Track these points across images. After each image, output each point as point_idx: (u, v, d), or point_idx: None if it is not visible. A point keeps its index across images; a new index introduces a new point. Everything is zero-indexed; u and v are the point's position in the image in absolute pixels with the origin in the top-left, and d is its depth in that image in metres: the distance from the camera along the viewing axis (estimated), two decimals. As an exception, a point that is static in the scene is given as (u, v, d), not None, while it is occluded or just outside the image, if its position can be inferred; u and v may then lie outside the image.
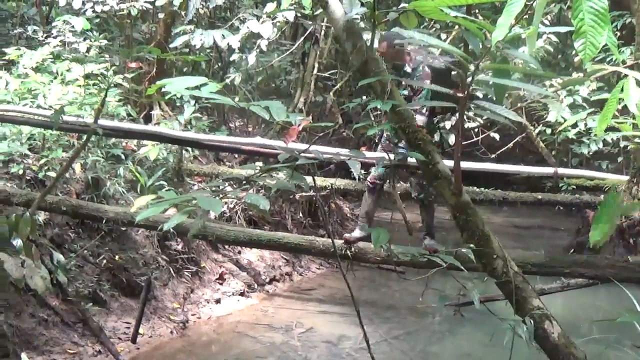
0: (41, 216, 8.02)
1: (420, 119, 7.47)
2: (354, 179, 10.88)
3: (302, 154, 3.76)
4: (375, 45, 5.34)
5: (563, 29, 4.11)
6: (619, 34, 12.94)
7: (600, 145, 12.09)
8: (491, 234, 4.41)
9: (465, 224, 4.37)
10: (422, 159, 4.29)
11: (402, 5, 4.46)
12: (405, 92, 7.69)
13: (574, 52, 14.09)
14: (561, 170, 8.21)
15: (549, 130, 12.71)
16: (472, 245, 4.37)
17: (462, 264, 4.53)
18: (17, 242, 4.91)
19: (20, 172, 8.43)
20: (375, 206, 7.98)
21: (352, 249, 7.54)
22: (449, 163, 4.68)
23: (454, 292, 5.42)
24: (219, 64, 14.18)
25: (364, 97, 6.97)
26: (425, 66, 7.65)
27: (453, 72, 8.14)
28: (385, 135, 8.01)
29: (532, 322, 4.19)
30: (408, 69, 7.71)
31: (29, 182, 8.54)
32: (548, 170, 8.67)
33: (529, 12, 3.38)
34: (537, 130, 13.09)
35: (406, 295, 10.00)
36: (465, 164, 7.15)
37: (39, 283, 5.67)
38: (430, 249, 7.51)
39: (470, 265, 4.64)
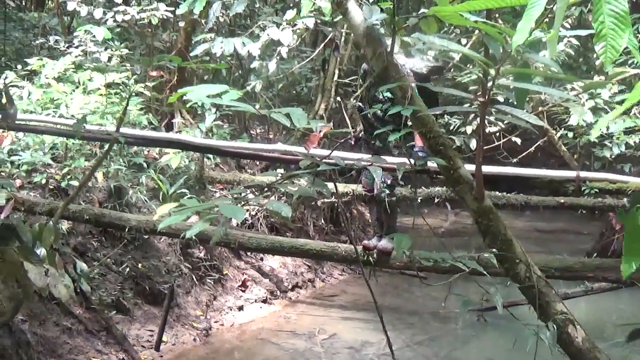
0: (64, 225, 8.06)
1: None
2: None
3: (324, 161, 3.77)
4: (396, 50, 5.34)
5: (584, 32, 4.09)
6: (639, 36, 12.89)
7: (623, 148, 12.02)
8: (513, 238, 4.40)
9: (487, 228, 4.35)
10: (444, 164, 4.28)
11: (422, 10, 4.44)
12: (389, 95, 7.75)
13: (595, 55, 14.06)
14: (583, 174, 8.15)
15: (570, 134, 12.65)
16: (494, 250, 4.36)
17: (484, 268, 4.52)
18: (41, 251, 4.93)
19: (43, 181, 8.48)
20: (381, 213, 7.98)
21: (374, 255, 7.53)
22: (470, 168, 4.67)
23: (477, 297, 5.41)
24: (240, 72, 14.21)
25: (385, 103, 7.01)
26: (406, 68, 7.71)
27: (433, 77, 8.25)
28: (361, 135, 8.05)
29: (555, 326, 4.17)
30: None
31: (52, 191, 8.58)
32: (570, 173, 8.63)
33: (549, 15, 3.37)
34: (558, 134, 13.05)
35: (429, 300, 9.98)
36: (486, 169, 7.14)
37: (62, 292, 5.69)
38: (384, 249, 7.55)
39: (493, 270, 4.64)
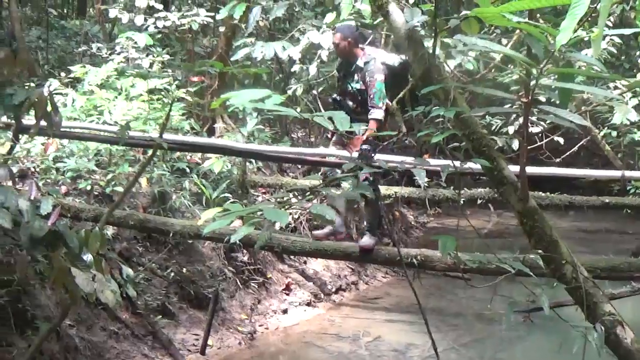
0: (109, 231, 8.12)
1: (379, 114, 7.70)
2: (418, 186, 10.86)
3: (367, 163, 3.77)
4: (437, 52, 5.33)
5: (627, 31, 4.06)
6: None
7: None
8: (559, 239, 4.37)
9: (532, 229, 4.32)
10: (487, 165, 4.26)
11: (463, 12, 4.43)
12: (358, 86, 7.81)
13: (638, 53, 13.93)
14: (628, 173, 8.08)
15: (614, 133, 12.54)
16: (540, 251, 4.33)
17: (530, 270, 4.49)
18: (88, 257, 4.96)
19: (88, 187, 8.55)
20: (377, 214, 8.12)
21: (418, 257, 7.51)
22: (514, 168, 4.65)
23: (522, 299, 5.39)
24: (280, 76, 14.24)
25: (427, 105, 6.98)
26: (377, 60, 7.79)
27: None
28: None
29: (603, 327, 4.13)
30: (360, 63, 7.86)
31: (97, 197, 8.66)
32: (615, 173, 8.57)
33: (592, 14, 3.34)
34: (602, 133, 12.93)
35: (473, 302, 9.93)
36: (530, 169, 7.10)
37: (109, 297, 5.74)
38: (366, 246, 7.57)
39: (539, 271, 4.60)
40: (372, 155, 7.38)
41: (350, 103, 7.90)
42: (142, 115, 9.71)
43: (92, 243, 5.00)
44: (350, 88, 7.94)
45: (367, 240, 7.79)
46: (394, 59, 7.99)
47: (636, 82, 11.39)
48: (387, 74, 7.80)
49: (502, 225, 13.58)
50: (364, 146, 7.44)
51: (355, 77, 7.91)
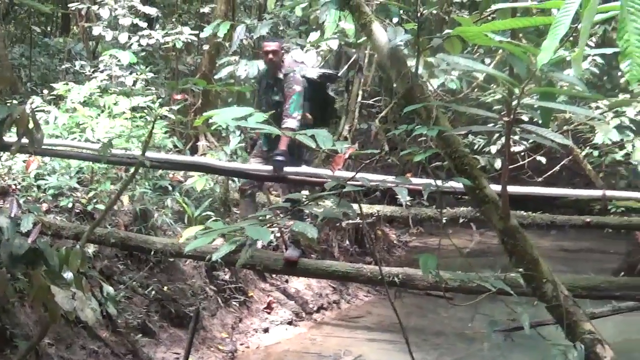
0: (90, 248, 8.09)
1: (292, 123, 7.75)
2: (401, 205, 10.86)
3: (349, 182, 3.77)
4: (420, 71, 5.33)
5: (609, 51, 4.09)
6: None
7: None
8: (540, 257, 4.38)
9: (513, 248, 4.34)
10: (469, 184, 4.28)
11: (446, 31, 4.46)
12: (277, 98, 7.85)
13: (619, 73, 14.01)
14: (609, 193, 8.10)
15: (596, 152, 12.58)
16: (521, 270, 4.34)
17: (511, 288, 4.50)
18: (68, 275, 4.95)
19: (70, 205, 8.52)
20: (250, 211, 8.12)
21: (399, 276, 7.51)
22: (496, 187, 4.66)
23: (504, 317, 5.38)
24: (264, 94, 14.25)
25: (409, 124, 6.98)
26: (297, 73, 7.90)
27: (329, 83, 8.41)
28: (258, 143, 8.14)
29: (582, 346, 4.14)
30: (280, 75, 7.95)
31: (78, 215, 8.63)
32: (596, 192, 8.58)
33: (574, 34, 3.36)
34: (583, 153, 12.98)
35: (455, 321, 9.93)
36: (512, 188, 7.11)
37: (89, 315, 5.70)
38: (291, 258, 7.60)
39: (520, 290, 4.61)
40: (284, 165, 7.52)
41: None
42: (125, 133, 9.69)
43: (72, 261, 4.98)
44: (271, 100, 8.00)
45: (291, 252, 7.85)
46: (314, 72, 8.08)
47: (618, 101, 11.45)
48: (305, 85, 7.87)
49: (484, 244, 13.58)
50: (278, 157, 7.55)
51: (275, 89, 7.97)
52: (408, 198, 4.41)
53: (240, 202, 8.74)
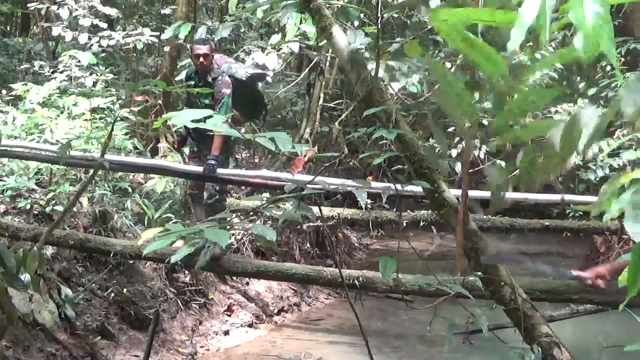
0: (49, 250, 8.02)
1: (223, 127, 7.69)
2: (362, 208, 10.89)
3: (308, 185, 3.77)
4: (381, 74, 5.34)
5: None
6: (623, 59, 12.98)
7: (607, 170, 12.06)
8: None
9: (472, 251, 4.36)
10: (428, 188, 4.29)
11: (410, 35, 4.49)
12: (207, 101, 7.90)
13: (578, 78, 14.16)
14: (568, 197, 8.18)
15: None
16: (479, 273, 4.37)
17: (470, 292, 4.52)
18: (25, 277, 4.90)
19: (28, 206, 8.44)
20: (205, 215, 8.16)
21: (360, 279, 7.53)
22: (457, 191, 4.68)
23: (463, 320, 5.41)
24: (225, 96, 14.22)
25: (370, 127, 6.97)
26: (226, 75, 7.94)
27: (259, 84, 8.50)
28: (190, 142, 8.21)
29: (540, 349, 4.17)
30: (210, 79, 7.97)
31: (37, 216, 8.55)
32: (554, 197, 8.66)
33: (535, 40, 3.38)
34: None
35: (415, 324, 9.96)
36: (472, 192, 7.16)
37: (47, 317, 5.66)
38: (217, 254, 7.61)
39: (479, 293, 4.64)
40: (216, 169, 7.62)
41: None
42: (85, 134, 9.63)
43: (30, 263, 4.93)
44: (200, 103, 8.02)
45: (214, 248, 7.85)
46: (243, 72, 8.11)
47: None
48: (233, 87, 7.90)
49: (445, 247, 13.66)
50: (210, 160, 7.64)
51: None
52: (368, 201, 4.43)
53: (193, 207, 8.76)
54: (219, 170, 7.81)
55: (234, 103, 7.93)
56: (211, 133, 7.62)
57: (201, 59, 8.03)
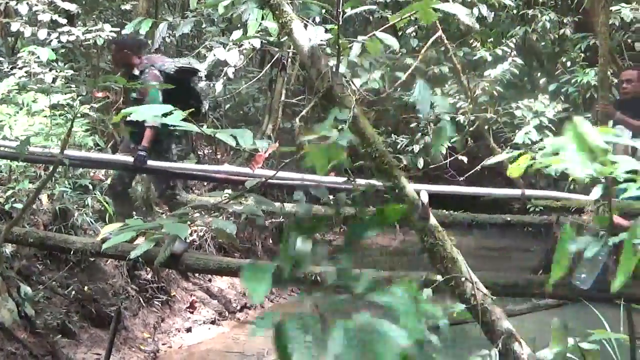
0: (8, 248, 7.95)
1: (152, 122, 7.73)
2: (324, 204, 10.87)
3: (270, 180, 3.76)
4: (343, 70, 5.33)
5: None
6: (583, 55, 13.09)
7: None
8: (459, 256, 4.43)
9: (433, 247, 4.38)
10: (389, 184, 4.30)
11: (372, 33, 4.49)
12: (134, 95, 7.94)
13: (538, 74, 14.25)
14: (528, 192, 8.24)
15: (516, 152, 12.76)
16: (440, 269, 4.38)
17: (432, 287, 4.53)
18: (-16, 275, 4.86)
19: (-14, 204, 8.37)
20: (126, 208, 8.33)
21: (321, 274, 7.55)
22: (417, 187, 4.69)
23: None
24: (187, 92, 14.15)
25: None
26: (154, 69, 7.97)
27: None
28: (125, 139, 8.24)
29: (498, 350, 4.19)
30: (136, 72, 8.04)
31: (-5, 214, 8.48)
32: (515, 192, 8.72)
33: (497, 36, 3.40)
34: (504, 152, 13.16)
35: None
36: (433, 187, 7.19)
37: (6, 316, 5.63)
38: (177, 252, 7.59)
39: (441, 289, 4.66)
40: (146, 160, 7.63)
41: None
42: (44, 130, 9.53)
43: (-12, 261, 4.89)
44: (130, 98, 8.04)
45: (177, 245, 7.84)
46: (171, 67, 8.10)
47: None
48: (162, 81, 7.87)
49: (408, 243, 13.68)
50: (139, 152, 7.64)
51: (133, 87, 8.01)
52: (330, 197, 4.43)
53: (113, 201, 8.69)
54: (155, 164, 7.82)
55: (166, 97, 7.83)
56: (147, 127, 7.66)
57: (115, 58, 8.32)
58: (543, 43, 14.29)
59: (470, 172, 13.34)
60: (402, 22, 4.76)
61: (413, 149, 13.44)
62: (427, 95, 3.84)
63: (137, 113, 3.44)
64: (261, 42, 10.68)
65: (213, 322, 9.88)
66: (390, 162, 4.39)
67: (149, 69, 7.93)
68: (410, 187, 4.44)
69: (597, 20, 9.59)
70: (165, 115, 3.41)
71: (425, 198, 4.39)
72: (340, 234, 15.55)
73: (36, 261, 8.38)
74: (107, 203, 9.38)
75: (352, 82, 9.08)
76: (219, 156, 14.30)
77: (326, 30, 4.98)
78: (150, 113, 3.52)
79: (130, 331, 8.71)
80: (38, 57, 10.72)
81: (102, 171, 10.08)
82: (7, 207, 8.44)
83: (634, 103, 8.10)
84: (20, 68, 10.90)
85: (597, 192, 3.16)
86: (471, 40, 13.81)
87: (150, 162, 7.81)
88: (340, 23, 4.55)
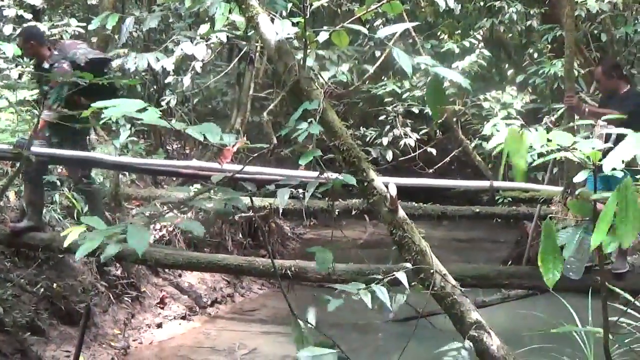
0: (-25, 246, 7.90)
1: (47, 115, 7.99)
2: (294, 198, 10.87)
3: (237, 175, 3.75)
4: (311, 64, 5.33)
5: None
6: (550, 46, 13.16)
7: (536, 157, 12.20)
8: (428, 249, 4.45)
9: (401, 239, 4.40)
10: (356, 177, 4.30)
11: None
12: (46, 87, 7.98)
13: (507, 65, 14.34)
14: (497, 183, 8.29)
15: (485, 144, 12.84)
16: (409, 261, 4.40)
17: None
18: (-50, 274, 4.83)
19: (-48, 202, 8.30)
20: (38, 194, 8.38)
21: (292, 269, 7.54)
22: (385, 179, 4.70)
23: (397, 308, 5.44)
24: (155, 87, 14.10)
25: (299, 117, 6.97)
26: (65, 62, 8.03)
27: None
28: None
29: (472, 345, 4.21)
30: (46, 65, 8.12)
31: (-38, 212, 8.41)
32: (484, 183, 8.78)
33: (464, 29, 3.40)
34: (473, 144, 13.22)
35: (349, 312, 9.94)
36: (402, 180, 7.20)
37: (-26, 315, 5.58)
38: (14, 229, 7.96)
39: (412, 281, 4.67)
40: (27, 147, 7.57)
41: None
42: (10, 127, 9.47)
43: (-46, 259, 4.85)
44: (43, 90, 8.07)
45: (25, 223, 8.11)
46: (82, 58, 8.09)
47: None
48: (71, 73, 7.84)
49: (378, 235, 13.71)
50: (20, 139, 7.88)
51: (45, 79, 8.00)
52: (300, 190, 4.43)
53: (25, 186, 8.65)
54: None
55: (79, 89, 7.71)
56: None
57: (24, 50, 8.48)
58: (510, 35, 14.39)
59: (440, 164, 13.43)
60: (369, 15, 4.74)
61: (382, 141, 13.47)
62: (406, 57, 3.84)
63: (108, 109, 3.42)
64: (228, 36, 10.65)
65: (184, 318, 9.84)
66: (358, 154, 4.40)
67: (59, 62, 7.94)
68: (379, 180, 4.46)
69: (563, 11, 9.66)
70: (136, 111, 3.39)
71: (393, 190, 4.40)
72: (311, 227, 15.61)
73: (4, 259, 8.31)
74: (75, 199, 9.32)
75: (320, 75, 9.11)
76: (187, 151, 14.25)
77: (293, 24, 4.97)
78: (120, 108, 3.49)
79: (100, 328, 8.66)
80: (4, 53, 10.63)
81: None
82: (-27, 205, 8.38)
83: (613, 97, 8.16)
84: (-15, 64, 10.83)
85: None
86: (439, 33, 13.90)
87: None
88: (307, 16, 4.54)
